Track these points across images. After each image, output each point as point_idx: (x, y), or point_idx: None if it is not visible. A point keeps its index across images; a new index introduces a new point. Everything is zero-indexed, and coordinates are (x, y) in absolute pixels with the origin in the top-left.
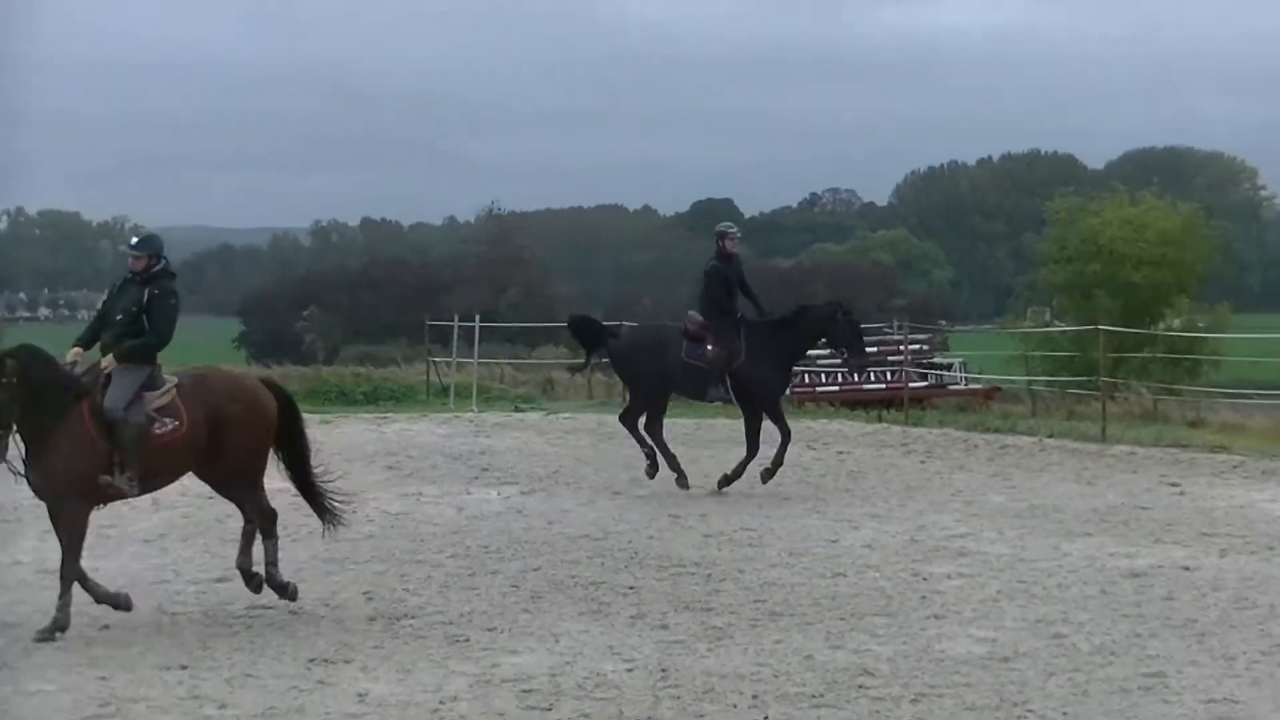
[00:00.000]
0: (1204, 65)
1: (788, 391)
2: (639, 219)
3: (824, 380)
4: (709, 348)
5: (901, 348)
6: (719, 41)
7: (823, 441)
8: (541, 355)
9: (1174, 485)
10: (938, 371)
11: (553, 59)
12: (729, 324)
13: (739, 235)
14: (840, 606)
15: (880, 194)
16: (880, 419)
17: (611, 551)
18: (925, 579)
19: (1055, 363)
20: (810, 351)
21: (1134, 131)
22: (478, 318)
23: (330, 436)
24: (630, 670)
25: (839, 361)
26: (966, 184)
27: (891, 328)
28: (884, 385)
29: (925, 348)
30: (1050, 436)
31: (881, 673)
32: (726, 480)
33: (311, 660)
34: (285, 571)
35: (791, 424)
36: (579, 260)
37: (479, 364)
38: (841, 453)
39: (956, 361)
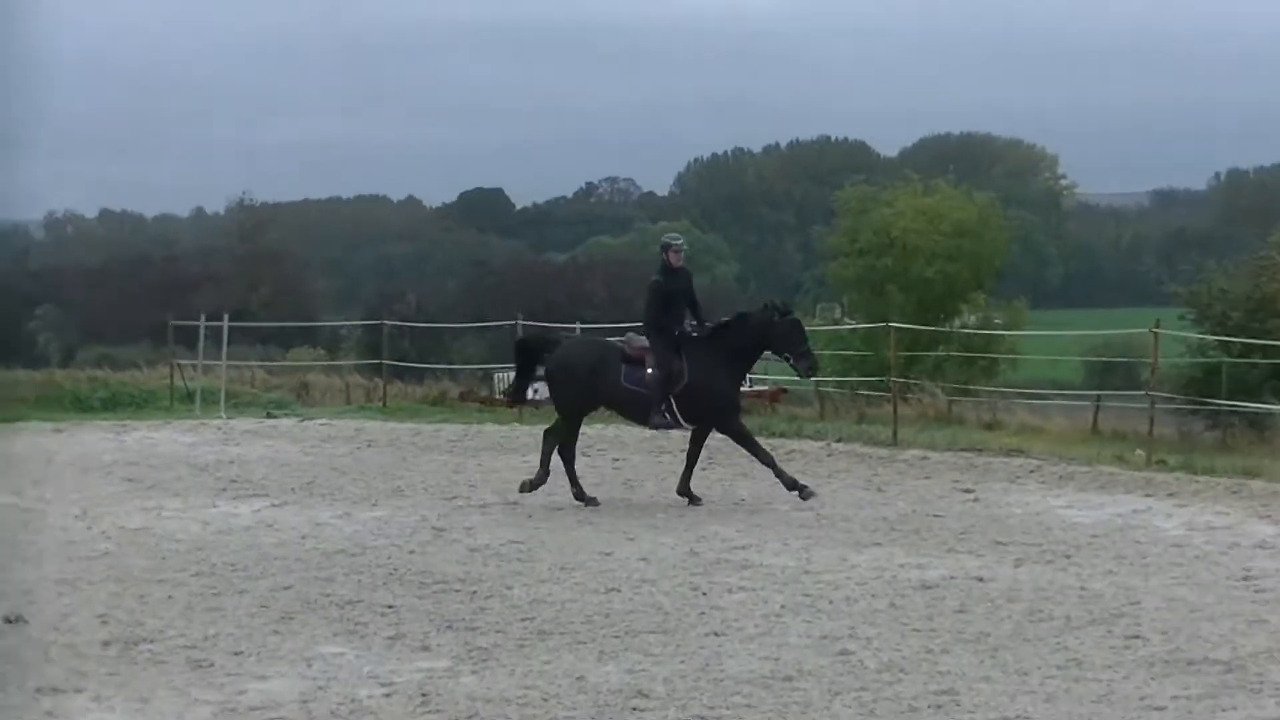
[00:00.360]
0: (1004, 49)
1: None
2: (403, 210)
3: None
4: (649, 371)
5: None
6: (485, 15)
7: (597, 448)
8: (296, 357)
9: (968, 491)
10: None
11: (305, 39)
12: (666, 344)
13: (684, 246)
14: (614, 624)
15: (661, 183)
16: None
17: (369, 568)
18: (705, 593)
19: (845, 362)
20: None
21: (931, 117)
22: (226, 317)
23: (64, 446)
24: (388, 695)
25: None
26: (753, 172)
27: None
28: None
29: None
30: (839, 441)
31: (657, 694)
32: (799, 487)
33: (39, 689)
34: (12, 595)
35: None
36: (338, 254)
37: (228, 367)
38: (617, 460)
39: None
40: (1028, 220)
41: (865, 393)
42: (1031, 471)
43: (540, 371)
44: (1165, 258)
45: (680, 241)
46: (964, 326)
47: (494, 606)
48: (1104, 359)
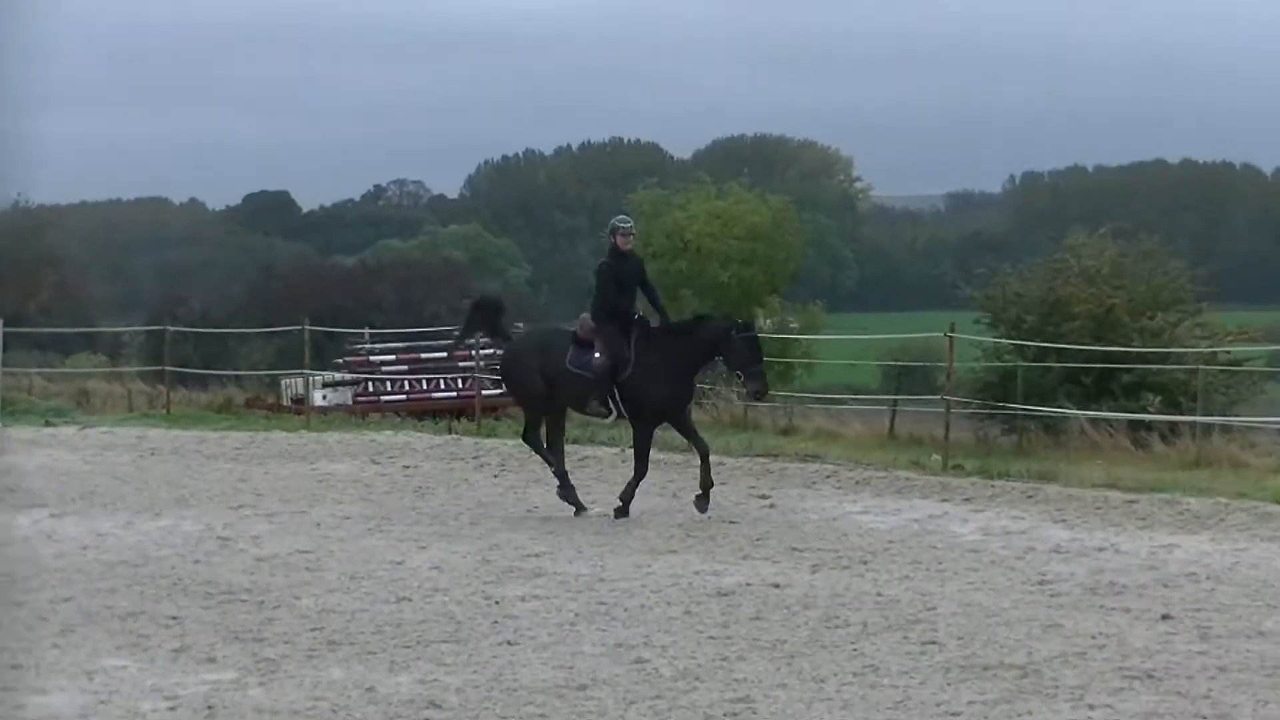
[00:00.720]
0: (800, 50)
1: (688, 405)
2: (185, 213)
3: (389, 389)
4: (596, 355)
5: (474, 353)
6: (261, 9)
7: (388, 455)
8: (76, 364)
9: (764, 497)
10: None
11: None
12: (616, 330)
13: (633, 229)
14: (405, 634)
15: (451, 185)
16: (451, 430)
17: (152, 579)
18: (498, 602)
19: None
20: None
21: (724, 119)
22: (1, 323)
23: None
24: (173, 709)
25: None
26: (544, 175)
27: None
28: (455, 394)
29: (500, 353)
30: (633, 446)
31: (449, 704)
32: (621, 509)
33: None
34: None
35: (353, 436)
36: (118, 259)
37: (3, 374)
38: (408, 467)
39: None
40: (823, 223)
41: None
42: (828, 477)
43: (484, 334)
44: (961, 261)
45: (629, 225)
46: (760, 331)
47: (282, 617)
48: (900, 363)
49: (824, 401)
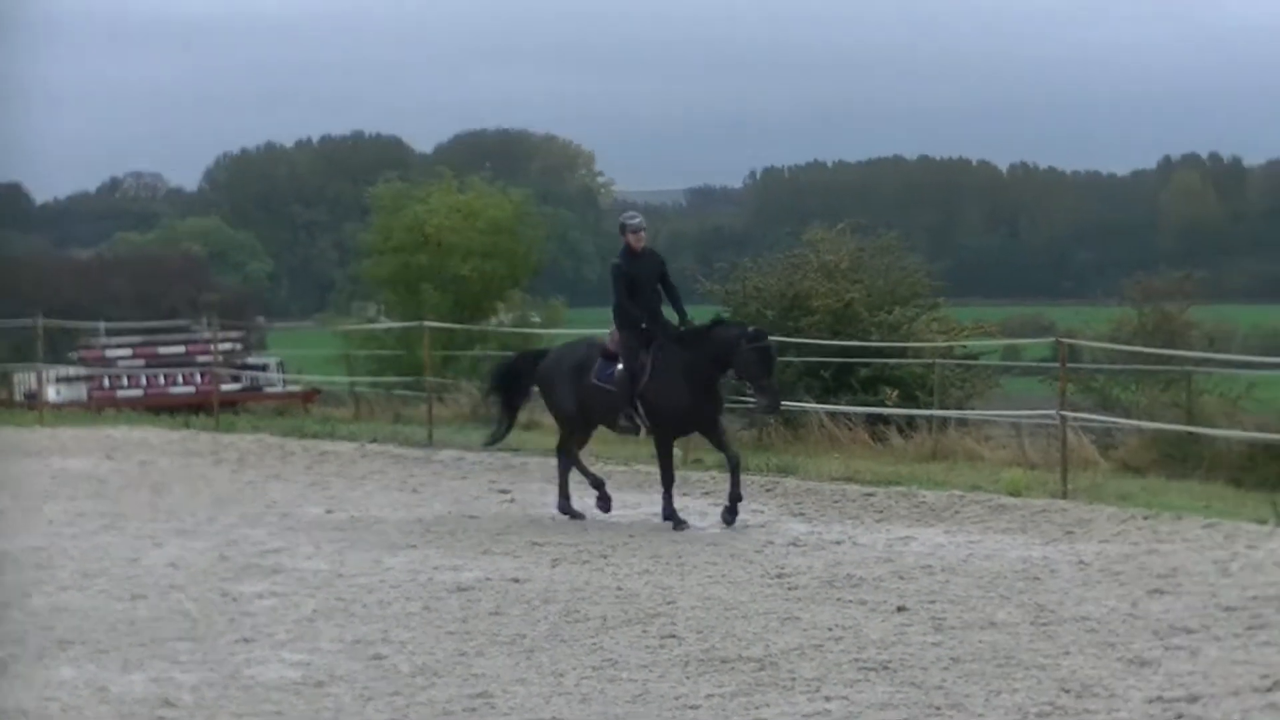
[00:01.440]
0: (542, 45)
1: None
2: None
3: (126, 384)
4: (619, 367)
5: (212, 347)
6: None
7: (123, 451)
8: None
9: (504, 492)
10: (252, 373)
11: None
12: (632, 335)
13: (643, 226)
14: (139, 632)
15: (189, 178)
16: (188, 425)
17: None
18: (234, 599)
19: (381, 362)
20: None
21: (468, 113)
22: None
23: None
24: None
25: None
26: (285, 168)
27: (201, 325)
28: (193, 389)
29: (239, 347)
30: (373, 442)
31: (184, 703)
32: (679, 522)
33: None
34: None
35: (88, 431)
36: None
37: None
38: (144, 462)
39: (273, 361)
40: (565, 217)
41: (401, 393)
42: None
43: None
44: (702, 255)
45: (638, 221)
46: (501, 325)
47: (11, 616)
48: None
49: None
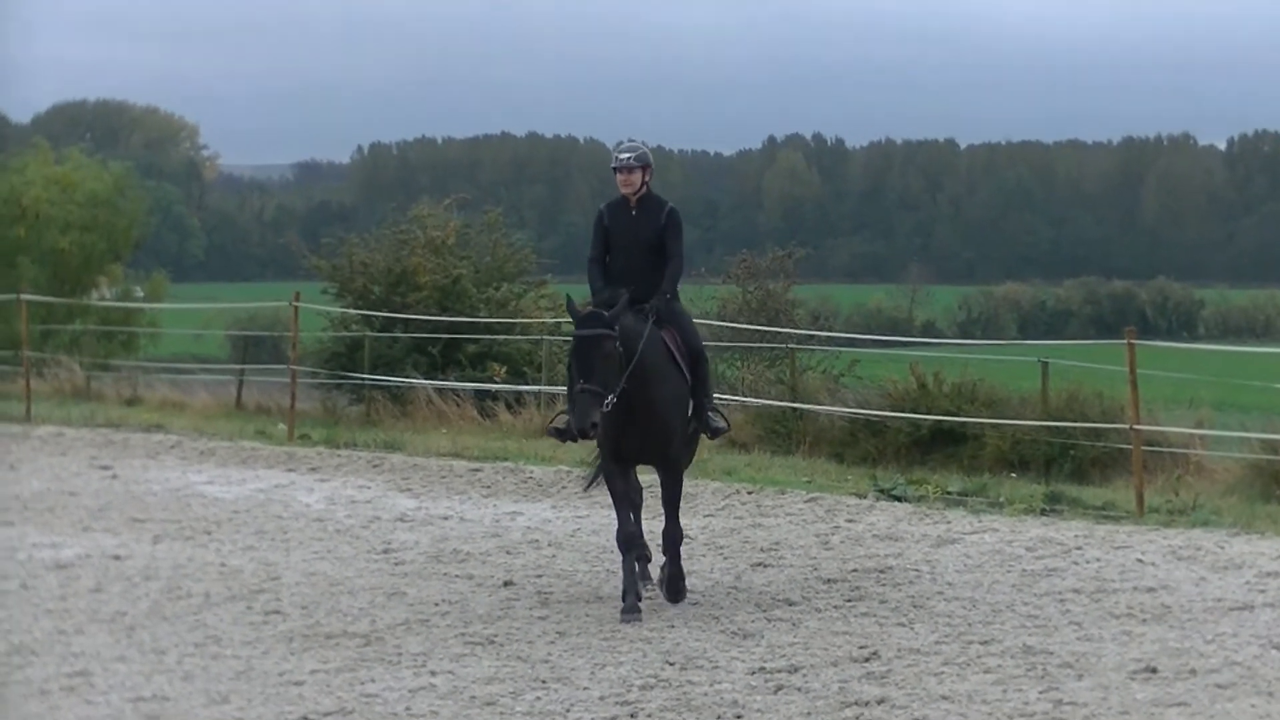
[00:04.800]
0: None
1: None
2: None
3: None
4: None
5: None
6: None
7: None
8: None
9: (106, 468)
10: None
11: None
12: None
13: (632, 164)
14: None
15: None
16: None
17: None
18: None
19: None
20: None
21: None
22: None
23: None
24: None
25: None
26: None
27: None
28: None
29: None
30: None
31: None
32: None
33: None
34: None
35: None
36: None
37: None
38: None
39: None
40: (168, 191)
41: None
42: (172, 447)
43: None
44: (310, 230)
45: (625, 158)
46: (102, 299)
47: None
48: (248, 333)
49: (170, 371)
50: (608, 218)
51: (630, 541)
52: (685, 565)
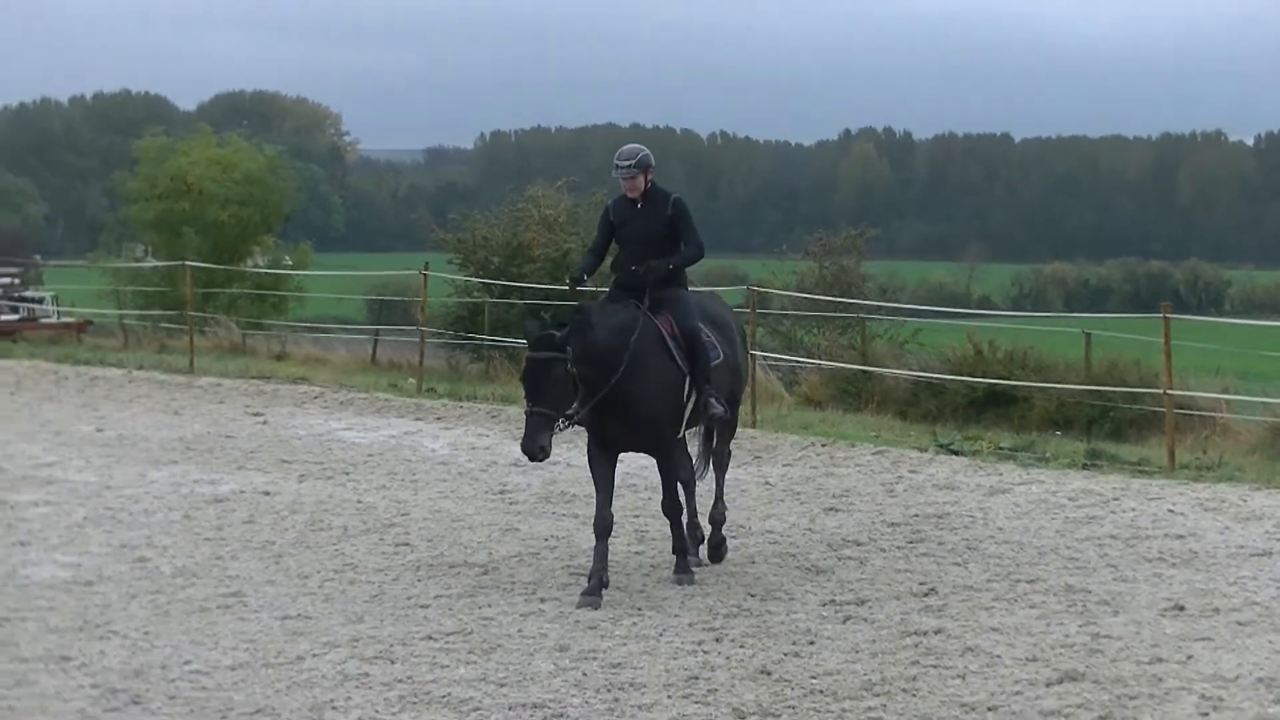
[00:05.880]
0: (300, 13)
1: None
2: None
3: None
4: None
5: None
6: None
7: None
8: None
9: (257, 415)
10: (29, 305)
11: None
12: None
13: (633, 171)
14: None
15: None
16: None
17: None
18: (12, 507)
19: (147, 298)
20: None
21: (228, 76)
22: None
23: None
24: None
25: None
26: (60, 122)
27: None
28: None
29: (17, 281)
30: (139, 369)
31: None
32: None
33: None
34: None
35: None
36: None
37: None
38: None
39: (48, 295)
40: (314, 172)
41: (166, 326)
42: (315, 398)
43: None
44: (437, 208)
45: (626, 165)
46: (256, 266)
47: None
48: (382, 297)
49: (313, 331)
50: (614, 214)
51: (604, 528)
52: (765, 508)
